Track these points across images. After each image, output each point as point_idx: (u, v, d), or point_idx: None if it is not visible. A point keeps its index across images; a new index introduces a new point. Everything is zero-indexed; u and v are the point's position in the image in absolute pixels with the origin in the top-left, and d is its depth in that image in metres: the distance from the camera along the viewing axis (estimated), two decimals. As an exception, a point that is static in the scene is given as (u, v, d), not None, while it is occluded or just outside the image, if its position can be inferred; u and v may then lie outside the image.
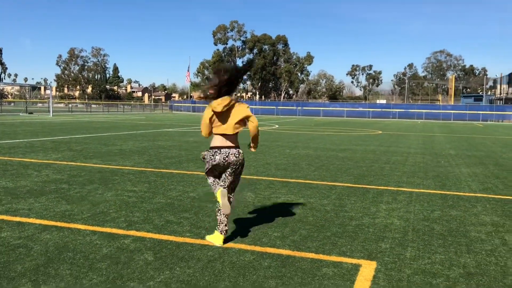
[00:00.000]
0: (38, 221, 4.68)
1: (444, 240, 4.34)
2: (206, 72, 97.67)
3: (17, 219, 4.76)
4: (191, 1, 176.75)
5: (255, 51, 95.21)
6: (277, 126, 27.73)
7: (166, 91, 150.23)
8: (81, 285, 3.13)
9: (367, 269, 3.55)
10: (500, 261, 3.79)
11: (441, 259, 3.81)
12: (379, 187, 7.08)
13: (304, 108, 59.60)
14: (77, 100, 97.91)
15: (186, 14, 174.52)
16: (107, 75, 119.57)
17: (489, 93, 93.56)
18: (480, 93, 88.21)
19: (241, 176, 4.39)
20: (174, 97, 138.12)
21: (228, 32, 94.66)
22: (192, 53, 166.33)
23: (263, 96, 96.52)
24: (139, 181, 7.15)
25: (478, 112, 52.50)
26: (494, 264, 3.71)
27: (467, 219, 5.19)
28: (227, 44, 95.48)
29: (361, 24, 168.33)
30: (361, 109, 58.27)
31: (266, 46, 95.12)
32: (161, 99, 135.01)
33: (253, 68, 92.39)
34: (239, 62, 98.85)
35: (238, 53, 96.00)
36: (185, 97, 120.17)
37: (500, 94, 74.35)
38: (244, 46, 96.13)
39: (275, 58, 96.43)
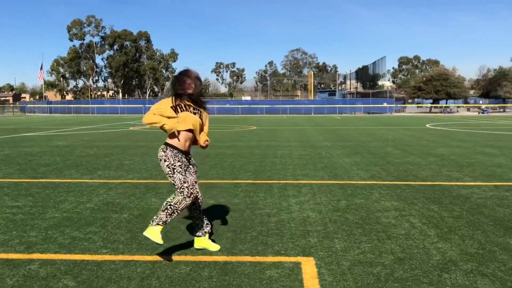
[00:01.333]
0: None
1: (363, 229, 4.55)
2: (61, 69, 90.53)
3: None
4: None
5: (115, 47, 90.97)
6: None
7: (13, 92, 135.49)
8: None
9: (308, 266, 3.54)
10: (419, 244, 4.08)
11: (369, 247, 3.97)
12: (280, 181, 7.21)
13: (172, 106, 58.59)
14: None
15: (35, 9, 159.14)
16: None
17: (340, 88, 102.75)
18: (333, 88, 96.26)
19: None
20: (25, 97, 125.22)
21: (84, 27, 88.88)
22: (44, 50, 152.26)
23: (126, 94, 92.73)
24: (19, 194, 6.25)
25: (335, 105, 57.27)
26: (415, 248, 3.98)
27: (372, 206, 5.53)
28: (84, 39, 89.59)
29: (221, 22, 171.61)
30: (229, 106, 59.38)
31: (127, 42, 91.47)
32: (8, 100, 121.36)
33: (114, 65, 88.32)
34: (99, 59, 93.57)
35: (97, 49, 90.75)
36: (37, 97, 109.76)
37: (350, 89, 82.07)
38: (103, 42, 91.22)
39: (137, 55, 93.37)
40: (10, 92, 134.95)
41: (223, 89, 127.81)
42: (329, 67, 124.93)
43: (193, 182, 3.69)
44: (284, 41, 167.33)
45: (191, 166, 3.77)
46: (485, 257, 3.71)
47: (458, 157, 10.27)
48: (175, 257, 3.73)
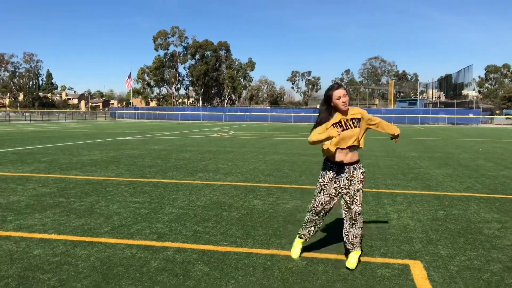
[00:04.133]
0: (61, 237, 4.49)
1: (466, 238, 4.65)
2: (146, 77, 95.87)
3: (38, 235, 4.55)
4: (129, 8, 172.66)
5: (197, 56, 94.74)
6: (232, 132, 27.80)
7: (103, 98, 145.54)
8: (156, 299, 3.08)
9: (416, 268, 3.76)
10: (526, 254, 4.13)
11: (475, 255, 4.10)
12: (373, 190, 7.36)
13: (251, 113, 60.10)
14: (8, 108, 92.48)
15: (124, 21, 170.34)
16: (40, 82, 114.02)
17: (420, 97, 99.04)
18: (413, 97, 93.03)
19: None
20: (113, 104, 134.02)
21: (169, 38, 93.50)
22: (132, 59, 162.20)
23: (205, 102, 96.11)
24: (135, 191, 6.99)
25: (416, 115, 55.44)
26: (523, 257, 4.04)
27: (471, 217, 5.58)
28: (168, 49, 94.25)
29: (299, 31, 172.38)
30: (304, 114, 59.58)
31: (208, 52, 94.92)
32: (98, 106, 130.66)
33: (195, 74, 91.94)
34: (181, 68, 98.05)
35: (180, 59, 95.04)
36: (124, 103, 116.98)
37: (432, 98, 78.93)
38: (186, 52, 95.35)
39: (217, 64, 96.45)
40: (100, 99, 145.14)
41: (298, 97, 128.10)
42: (409, 75, 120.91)
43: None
44: (362, 49, 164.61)
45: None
46: None
47: (559, 172, 9.78)
48: (289, 252, 4.11)
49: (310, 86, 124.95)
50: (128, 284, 3.34)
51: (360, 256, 3.85)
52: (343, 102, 3.66)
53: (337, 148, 3.74)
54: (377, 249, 4.25)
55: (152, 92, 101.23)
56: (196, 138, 20.70)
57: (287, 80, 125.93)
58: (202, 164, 10.52)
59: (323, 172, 3.85)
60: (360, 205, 3.79)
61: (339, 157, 3.76)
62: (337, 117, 3.73)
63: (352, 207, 3.78)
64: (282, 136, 23.46)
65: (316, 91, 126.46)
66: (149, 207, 5.93)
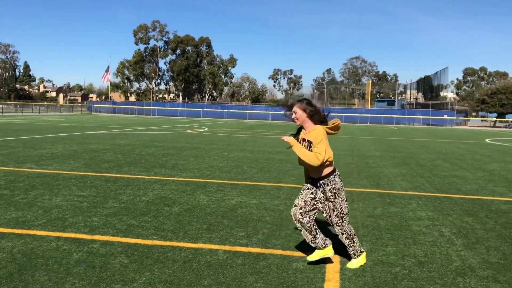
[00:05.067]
0: (-8, 229, 4.51)
1: (392, 234, 4.82)
2: (126, 72, 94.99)
3: (-32, 227, 4.55)
4: (110, 0, 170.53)
5: (178, 52, 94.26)
6: (206, 128, 27.81)
7: (82, 92, 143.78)
8: (65, 290, 3.15)
9: (333, 262, 3.89)
10: (443, 250, 4.32)
11: (394, 250, 4.27)
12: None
13: (230, 110, 60.11)
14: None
15: (104, 12, 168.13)
16: (17, 74, 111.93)
17: (399, 98, 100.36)
18: (392, 97, 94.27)
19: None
20: (92, 97, 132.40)
21: (149, 32, 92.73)
22: (111, 52, 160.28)
23: (186, 98, 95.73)
24: (84, 185, 7.01)
25: (392, 115, 56.19)
26: (438, 253, 4.22)
27: (406, 214, 5.77)
28: (148, 44, 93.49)
29: (282, 29, 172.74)
30: (283, 112, 59.73)
31: (189, 48, 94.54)
32: (77, 99, 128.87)
33: (176, 70, 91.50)
34: (162, 63, 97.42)
35: (160, 54, 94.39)
36: (103, 97, 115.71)
37: (410, 99, 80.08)
38: (166, 47, 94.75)
39: (198, 59, 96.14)
40: (79, 92, 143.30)
41: (280, 95, 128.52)
42: (389, 76, 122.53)
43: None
44: (344, 48, 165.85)
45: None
46: (505, 267, 3.90)
47: (510, 173, 10.11)
48: (215, 246, 4.21)
49: (291, 84, 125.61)
50: (42, 275, 3.39)
51: (359, 260, 3.85)
52: (294, 116, 3.81)
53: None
54: (300, 243, 4.38)
55: (132, 87, 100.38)
56: (168, 134, 20.66)
57: (269, 78, 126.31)
58: (163, 160, 10.55)
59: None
60: (337, 225, 3.81)
61: (309, 171, 3.88)
62: (303, 131, 3.89)
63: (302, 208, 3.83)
64: (255, 134, 23.58)
65: (298, 90, 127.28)
66: (93, 201, 5.96)
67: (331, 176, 3.78)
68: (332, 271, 3.68)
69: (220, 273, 3.56)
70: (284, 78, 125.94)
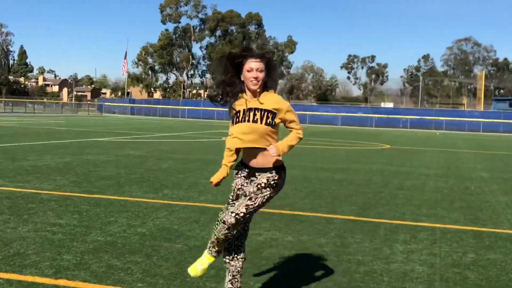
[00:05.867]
0: None
1: (482, 293, 4.52)
2: (149, 60, 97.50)
3: None
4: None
5: (218, 33, 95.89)
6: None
7: (93, 86, 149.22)
8: None
9: None
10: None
11: (480, 317, 3.98)
12: (392, 221, 7.29)
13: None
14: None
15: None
16: (11, 62, 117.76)
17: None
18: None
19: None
20: (105, 93, 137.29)
21: (181, 7, 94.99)
22: (132, 34, 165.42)
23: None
24: (65, 210, 7.13)
25: (516, 121, 54.28)
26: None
27: (510, 264, 5.42)
28: (179, 22, 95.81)
29: (359, 3, 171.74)
30: (361, 114, 59.37)
31: (233, 27, 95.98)
32: (86, 96, 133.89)
33: (215, 56, 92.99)
34: (196, 48, 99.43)
35: (194, 35, 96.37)
36: (120, 94, 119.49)
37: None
38: (203, 26, 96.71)
39: (245, 43, 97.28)
40: (89, 86, 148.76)
41: (356, 91, 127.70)
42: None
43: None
44: (448, 28, 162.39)
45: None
46: None
47: None
48: (220, 302, 4.09)
49: (373, 76, 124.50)
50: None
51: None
52: (254, 77, 3.64)
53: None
54: (345, 302, 4.18)
55: (157, 80, 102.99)
56: (194, 143, 20.94)
57: (342, 67, 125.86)
58: (178, 178, 10.64)
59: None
60: (235, 214, 3.70)
61: (244, 156, 3.85)
62: (242, 101, 3.78)
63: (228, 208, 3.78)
64: (315, 144, 23.44)
65: (382, 83, 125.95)
66: (70, 232, 6.02)
67: (281, 171, 3.83)
68: None
69: None
70: (362, 68, 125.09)
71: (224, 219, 3.67)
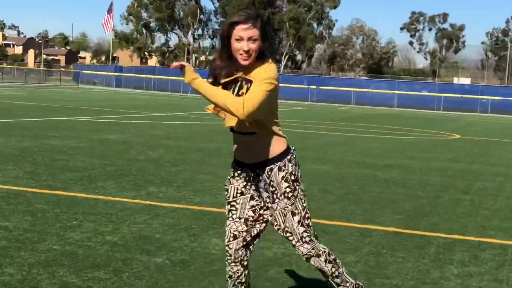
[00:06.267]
0: None
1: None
2: (143, 14, 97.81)
3: None
4: None
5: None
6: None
7: (68, 47, 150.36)
8: None
9: None
10: None
11: None
12: (448, 236, 7.31)
13: (321, 87, 60.24)
14: None
15: None
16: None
17: None
18: None
19: None
20: (84, 58, 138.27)
21: None
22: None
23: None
24: (15, 210, 7.28)
25: None
26: None
27: None
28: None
29: None
30: (426, 93, 59.03)
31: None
32: (58, 60, 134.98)
33: (231, 10, 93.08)
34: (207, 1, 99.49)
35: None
36: (103, 59, 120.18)
37: None
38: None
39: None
40: (63, 48, 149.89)
41: (422, 61, 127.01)
42: None
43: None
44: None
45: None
46: None
47: None
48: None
49: (444, 41, 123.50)
50: None
51: None
52: (243, 51, 3.66)
53: (232, 131, 3.93)
54: None
55: (153, 41, 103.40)
56: (195, 126, 21.06)
57: (402, 29, 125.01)
58: (170, 172, 10.77)
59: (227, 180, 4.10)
60: (304, 240, 3.93)
61: (236, 152, 4.01)
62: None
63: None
64: (356, 132, 23.46)
65: (456, 52, 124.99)
66: (18, 238, 6.15)
67: (285, 159, 3.91)
68: None
69: None
70: (430, 30, 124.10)
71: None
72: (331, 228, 7.37)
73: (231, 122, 3.82)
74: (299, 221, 3.88)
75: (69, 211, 7.40)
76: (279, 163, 3.87)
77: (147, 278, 5.21)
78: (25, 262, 5.44)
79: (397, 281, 5.55)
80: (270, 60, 3.79)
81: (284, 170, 3.86)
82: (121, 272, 5.33)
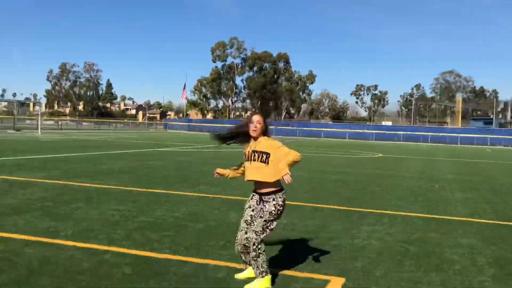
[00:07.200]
0: (22, 237, 5.06)
1: (416, 261, 4.71)
2: (203, 89, 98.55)
3: (3, 234, 5.14)
4: (190, 16, 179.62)
5: (255, 69, 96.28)
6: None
7: (161, 109, 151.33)
8: (60, 294, 3.50)
9: (335, 285, 3.92)
10: (465, 280, 4.16)
11: (409, 276, 4.18)
12: (365, 210, 7.46)
13: (304, 128, 60.24)
14: (68, 117, 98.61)
15: (184, 29, 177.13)
16: (100, 92, 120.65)
17: (500, 116, 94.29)
18: (491, 116, 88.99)
19: None
20: (170, 115, 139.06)
21: (227, 49, 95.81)
22: (190, 70, 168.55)
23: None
24: (125, 200, 7.52)
25: (486, 135, 53.07)
26: (458, 282, 4.08)
27: (445, 241, 5.56)
28: (226, 61, 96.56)
29: (366, 42, 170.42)
30: (364, 130, 58.85)
31: (266, 64, 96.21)
32: (156, 117, 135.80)
33: (252, 87, 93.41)
34: (238, 80, 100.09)
35: (237, 71, 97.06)
36: (181, 115, 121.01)
37: None
38: (244, 64, 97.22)
39: (276, 76, 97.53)
40: (158, 110, 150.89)
41: (363, 112, 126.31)
42: (488, 92, 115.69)
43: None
44: (435, 62, 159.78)
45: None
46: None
47: None
48: (222, 263, 4.40)
49: (376, 101, 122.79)
50: (45, 280, 3.78)
51: (262, 282, 3.83)
52: (254, 127, 3.97)
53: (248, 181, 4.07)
54: (311, 265, 4.44)
55: (209, 104, 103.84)
56: (231, 152, 21.27)
57: (351, 94, 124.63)
58: (213, 178, 10.93)
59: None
60: (254, 232, 3.83)
61: (255, 186, 4.05)
62: (250, 145, 4.05)
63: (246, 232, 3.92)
64: (323, 153, 23.50)
65: (383, 107, 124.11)
66: (125, 215, 6.41)
67: (279, 193, 3.93)
68: (329, 294, 3.70)
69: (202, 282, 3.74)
70: (367, 94, 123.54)
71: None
72: (301, 207, 7.50)
73: (249, 177, 4.02)
74: (260, 224, 3.85)
75: (154, 200, 7.65)
76: (273, 195, 3.95)
77: (194, 235, 5.43)
78: (128, 227, 5.68)
79: (332, 234, 5.73)
80: (267, 136, 4.05)
81: (274, 201, 3.92)
82: (179, 232, 5.55)
